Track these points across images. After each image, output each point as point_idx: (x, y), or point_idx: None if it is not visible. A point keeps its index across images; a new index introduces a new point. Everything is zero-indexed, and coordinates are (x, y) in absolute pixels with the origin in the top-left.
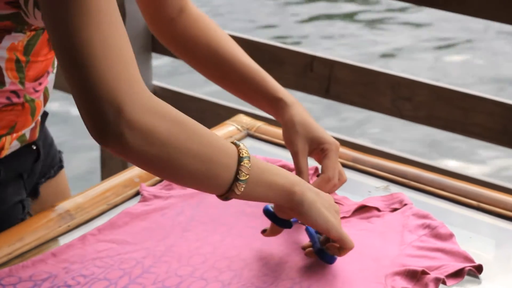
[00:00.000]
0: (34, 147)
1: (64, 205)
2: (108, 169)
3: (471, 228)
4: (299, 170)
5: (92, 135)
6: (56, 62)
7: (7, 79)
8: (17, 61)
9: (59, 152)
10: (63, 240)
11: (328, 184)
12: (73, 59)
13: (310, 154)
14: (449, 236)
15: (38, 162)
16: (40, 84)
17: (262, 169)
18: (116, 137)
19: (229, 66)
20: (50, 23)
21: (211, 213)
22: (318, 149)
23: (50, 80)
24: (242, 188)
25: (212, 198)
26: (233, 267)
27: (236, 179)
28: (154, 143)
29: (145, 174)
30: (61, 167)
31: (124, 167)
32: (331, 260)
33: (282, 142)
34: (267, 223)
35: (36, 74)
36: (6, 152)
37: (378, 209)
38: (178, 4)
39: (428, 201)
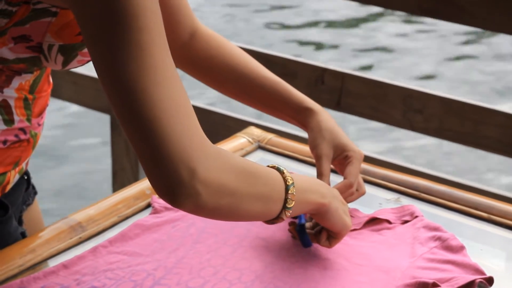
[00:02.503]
0: (25, 177)
1: (76, 217)
2: (119, 182)
3: (482, 240)
4: (321, 173)
5: (162, 196)
6: None
7: (16, 117)
8: (25, 99)
9: (31, 177)
10: (75, 252)
11: (348, 190)
12: (141, 120)
13: (334, 161)
14: (460, 248)
15: (28, 190)
16: (41, 118)
17: (303, 190)
18: (192, 197)
19: (250, 80)
20: (109, 79)
21: (222, 225)
22: (342, 156)
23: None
24: (289, 214)
25: None
26: (244, 279)
27: (284, 207)
28: (226, 196)
29: None
30: (35, 193)
31: (135, 179)
32: (307, 242)
33: (293, 154)
34: (278, 235)
35: (40, 109)
36: (10, 186)
37: (389, 221)
38: (189, 28)
39: (439, 213)
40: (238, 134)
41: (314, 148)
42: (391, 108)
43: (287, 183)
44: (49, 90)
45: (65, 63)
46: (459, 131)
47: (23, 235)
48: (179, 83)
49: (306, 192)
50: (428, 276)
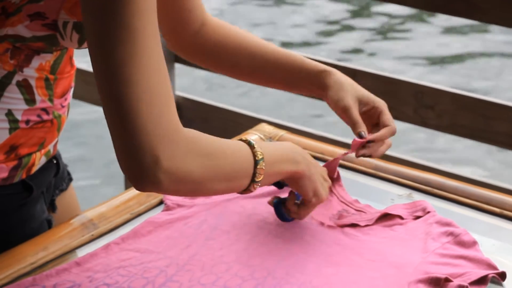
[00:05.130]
0: (55, 161)
1: (88, 214)
2: None
3: (494, 235)
4: (355, 122)
5: (126, 177)
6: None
7: (37, 97)
8: (46, 79)
9: (66, 165)
10: (87, 249)
11: (392, 134)
12: (115, 102)
13: (361, 114)
14: (472, 244)
15: (58, 175)
16: (65, 99)
17: (274, 161)
18: (153, 184)
19: (263, 56)
20: (95, 55)
21: (234, 221)
22: (368, 107)
23: (71, 94)
24: (258, 186)
25: (235, 207)
26: (256, 275)
27: (253, 181)
28: (189, 183)
29: None
30: (70, 179)
31: None
32: (282, 217)
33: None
34: (290, 232)
35: (63, 90)
36: (35, 168)
37: (401, 217)
38: (200, 17)
39: (451, 208)
40: (250, 131)
41: (337, 101)
42: (402, 104)
43: (256, 158)
44: (73, 72)
45: (81, 41)
46: (471, 127)
47: (49, 223)
48: (162, 72)
49: (277, 163)
50: (441, 272)
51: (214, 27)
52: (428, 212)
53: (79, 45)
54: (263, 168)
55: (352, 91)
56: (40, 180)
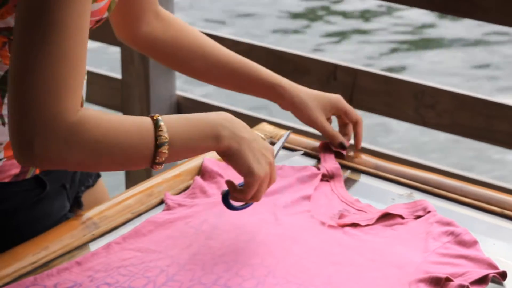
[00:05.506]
0: None
1: (89, 214)
2: (132, 179)
3: (494, 235)
4: (330, 135)
5: (13, 149)
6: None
7: None
8: None
9: None
10: (88, 249)
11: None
12: (12, 72)
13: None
14: (473, 243)
15: (88, 176)
16: None
17: (186, 140)
18: (26, 162)
19: (216, 59)
20: (15, 42)
21: (235, 221)
22: (333, 111)
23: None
24: (162, 167)
25: None
26: (256, 275)
27: (154, 162)
28: (66, 167)
29: (169, 183)
30: (99, 175)
31: (148, 176)
32: (228, 205)
33: (306, 150)
34: (290, 231)
35: None
36: None
37: (401, 217)
38: (152, 8)
39: (452, 208)
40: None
41: (305, 117)
42: (403, 104)
43: (158, 142)
44: None
45: None
46: (472, 126)
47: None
48: (69, 62)
49: (191, 140)
50: (441, 271)
51: (168, 21)
52: (429, 211)
53: None
54: (166, 152)
55: (313, 103)
56: (56, 175)
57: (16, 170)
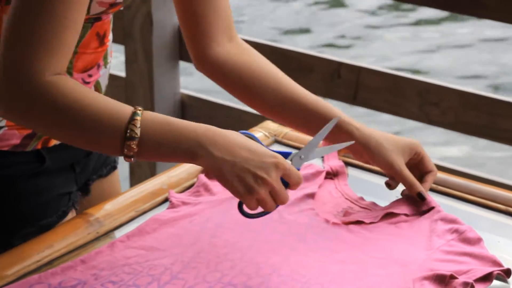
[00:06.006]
0: None
1: (93, 212)
2: (136, 177)
3: (499, 232)
4: (410, 183)
5: None
6: (109, 58)
7: None
8: None
9: None
10: (92, 247)
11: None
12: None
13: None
14: (477, 241)
15: (91, 156)
16: (90, 76)
17: (159, 145)
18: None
19: (290, 97)
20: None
21: (239, 219)
22: (411, 156)
23: (102, 74)
24: (134, 160)
25: None
26: (261, 273)
27: (122, 153)
28: (35, 127)
29: (174, 181)
30: (114, 167)
31: (152, 174)
32: (244, 213)
33: None
34: (295, 229)
35: (85, 65)
36: (54, 141)
37: (406, 214)
38: (226, 31)
39: (456, 205)
40: (255, 128)
41: (382, 161)
42: (407, 101)
43: (127, 134)
44: (101, 50)
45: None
46: (476, 124)
47: (70, 198)
48: (52, 20)
49: (166, 148)
50: (446, 269)
51: (242, 47)
52: (433, 207)
53: (87, 13)
54: (134, 147)
55: (390, 145)
56: (60, 155)
57: (16, 140)
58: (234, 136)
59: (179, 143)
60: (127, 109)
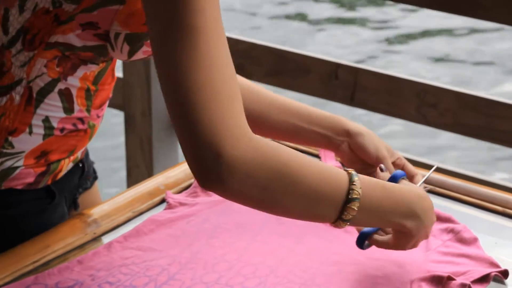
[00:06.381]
0: (80, 165)
1: (90, 213)
2: (133, 178)
3: (496, 233)
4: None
5: (195, 177)
6: None
7: (76, 106)
8: (87, 89)
9: (92, 162)
10: (89, 248)
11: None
12: (178, 99)
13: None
14: (473, 240)
15: (82, 177)
16: (102, 110)
17: (375, 209)
18: (217, 183)
19: (295, 110)
20: (157, 56)
21: (236, 220)
22: (394, 158)
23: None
24: (346, 225)
25: (237, 205)
26: (258, 274)
27: (340, 218)
28: (255, 187)
29: (171, 182)
30: (95, 178)
31: (149, 175)
32: (361, 246)
33: (310, 150)
34: (292, 230)
35: (101, 101)
36: (61, 174)
37: None
38: None
39: (453, 207)
40: None
41: (373, 150)
42: (405, 102)
43: (349, 196)
44: (113, 84)
45: (131, 53)
46: (474, 125)
47: None
48: (227, 70)
49: (382, 211)
50: (443, 270)
51: (245, 85)
52: None
53: (129, 57)
54: (355, 208)
55: (383, 143)
56: (64, 185)
57: (31, 179)
58: (428, 199)
59: (395, 207)
60: (339, 170)
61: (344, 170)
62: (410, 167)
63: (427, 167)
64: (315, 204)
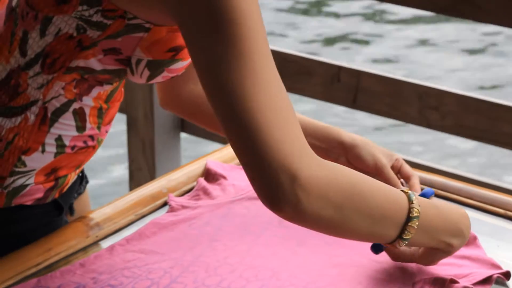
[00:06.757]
0: (80, 174)
1: (92, 216)
2: (136, 181)
3: (498, 236)
4: (394, 182)
5: (264, 202)
6: None
7: (88, 125)
8: (100, 108)
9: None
10: (91, 251)
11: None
12: (242, 125)
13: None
14: (473, 240)
15: (81, 184)
16: (110, 125)
17: (430, 226)
18: (292, 204)
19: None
20: (212, 89)
21: (238, 223)
22: (392, 161)
23: None
24: (404, 244)
25: (239, 208)
26: (261, 277)
27: (400, 237)
28: (330, 207)
29: (173, 185)
30: (87, 182)
31: (152, 178)
32: (376, 250)
33: None
34: (294, 233)
35: (110, 118)
36: (67, 187)
37: None
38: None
39: None
40: None
41: (372, 160)
42: (407, 105)
43: (411, 215)
44: (121, 100)
45: (150, 77)
46: (476, 128)
47: None
48: (280, 89)
49: (434, 230)
50: (445, 272)
51: None
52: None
53: (147, 81)
54: (415, 227)
55: (377, 149)
56: (67, 196)
57: (40, 194)
58: (468, 218)
59: (446, 226)
60: (398, 190)
61: (401, 190)
62: (407, 168)
63: (425, 168)
64: (380, 224)
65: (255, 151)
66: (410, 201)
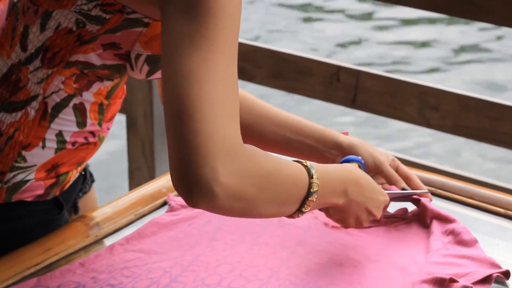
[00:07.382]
0: (83, 172)
1: (92, 216)
2: (135, 180)
3: (498, 235)
4: (395, 179)
5: (178, 191)
6: None
7: (88, 120)
8: (101, 104)
9: (87, 165)
10: (91, 250)
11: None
12: (179, 109)
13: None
14: (473, 242)
15: (85, 182)
16: (111, 122)
17: (325, 194)
18: (207, 198)
19: (284, 119)
20: (168, 71)
21: (238, 222)
22: (389, 160)
23: None
24: (302, 215)
25: None
26: (260, 276)
27: (299, 210)
28: (242, 201)
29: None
30: (93, 181)
31: (151, 177)
32: None
33: None
34: (294, 232)
35: (112, 114)
36: (69, 185)
37: (403, 216)
38: None
39: (455, 209)
40: None
41: (371, 160)
42: (406, 105)
43: (311, 190)
44: (123, 97)
45: (150, 73)
46: (476, 128)
47: None
48: (231, 89)
49: (327, 195)
50: (445, 272)
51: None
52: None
53: (147, 77)
54: (314, 200)
55: (374, 149)
56: (69, 194)
57: (40, 191)
58: (364, 178)
59: (338, 186)
60: (298, 165)
61: (298, 161)
62: (403, 168)
63: (426, 168)
64: (285, 205)
65: (183, 138)
66: (310, 176)
